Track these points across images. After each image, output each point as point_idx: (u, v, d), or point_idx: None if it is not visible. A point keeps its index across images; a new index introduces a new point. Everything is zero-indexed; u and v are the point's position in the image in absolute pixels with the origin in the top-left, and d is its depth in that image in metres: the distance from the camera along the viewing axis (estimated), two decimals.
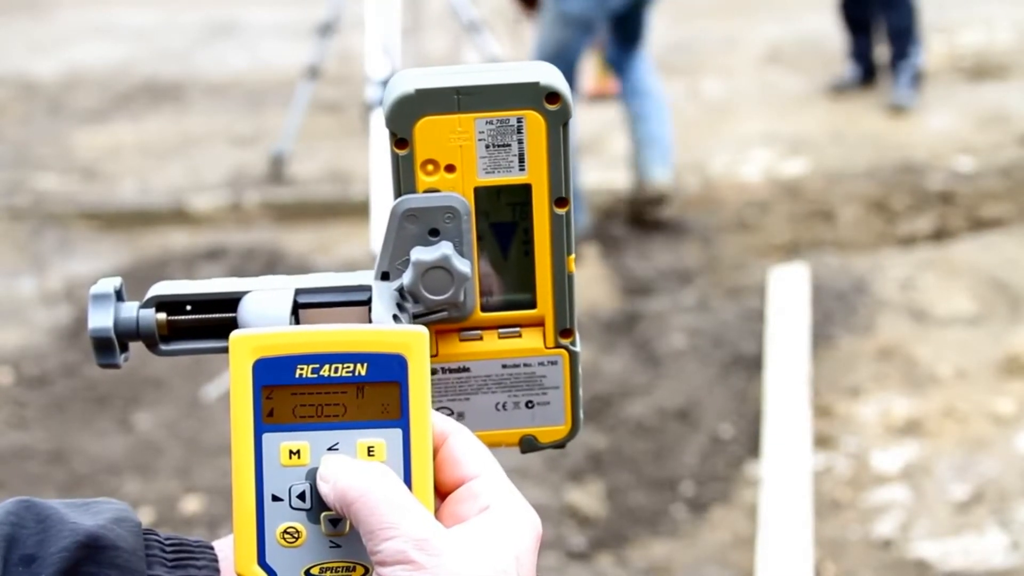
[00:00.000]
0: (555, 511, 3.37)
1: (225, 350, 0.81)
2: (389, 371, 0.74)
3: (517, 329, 0.85)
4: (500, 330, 0.84)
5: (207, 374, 4.19)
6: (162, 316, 0.82)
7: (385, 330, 0.75)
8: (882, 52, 6.94)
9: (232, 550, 0.76)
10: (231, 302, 0.82)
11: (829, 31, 7.48)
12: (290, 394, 0.74)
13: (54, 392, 4.18)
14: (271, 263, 5.05)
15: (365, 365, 0.73)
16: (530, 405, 0.86)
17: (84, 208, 5.79)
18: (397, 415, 0.74)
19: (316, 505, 0.74)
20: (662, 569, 3.25)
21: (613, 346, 4.25)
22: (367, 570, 0.74)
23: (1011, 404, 3.73)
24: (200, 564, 0.79)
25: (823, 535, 3.24)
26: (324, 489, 0.72)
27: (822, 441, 3.63)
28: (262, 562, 0.74)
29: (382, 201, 4.09)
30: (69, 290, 4.96)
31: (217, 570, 0.79)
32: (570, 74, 5.04)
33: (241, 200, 5.80)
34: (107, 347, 0.81)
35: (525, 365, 0.85)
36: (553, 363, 0.85)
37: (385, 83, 4.37)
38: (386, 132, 0.79)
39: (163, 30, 9.31)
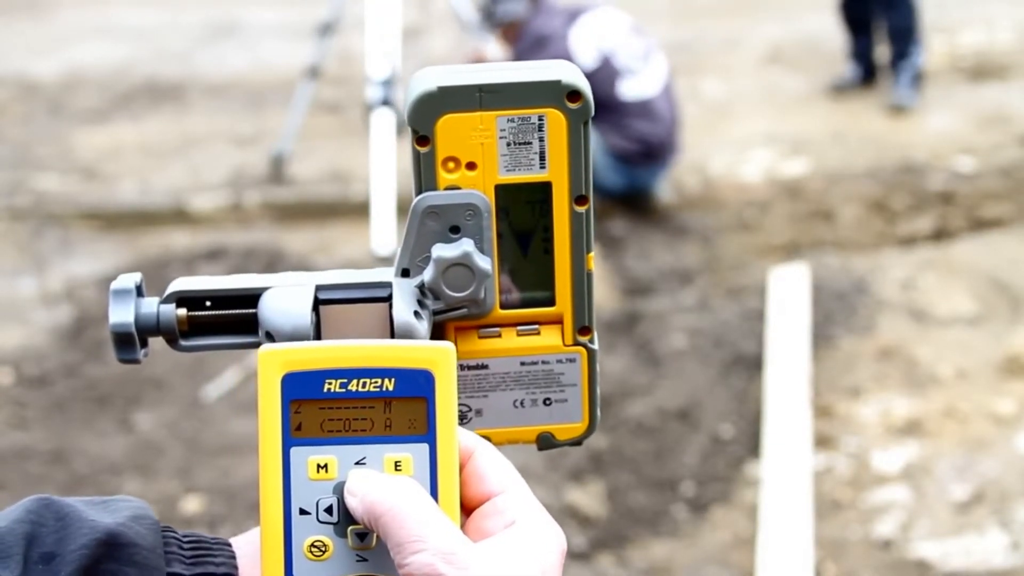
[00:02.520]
0: (555, 511, 3.37)
1: (245, 346, 0.82)
2: (416, 386, 0.74)
3: (536, 326, 0.85)
4: (519, 327, 0.85)
5: (207, 374, 4.19)
6: (182, 312, 0.82)
7: (413, 346, 0.75)
8: (882, 52, 6.94)
9: (256, 555, 0.76)
10: (251, 298, 0.82)
11: (829, 31, 7.49)
12: (318, 408, 0.74)
13: (54, 392, 4.18)
14: (271, 263, 5.05)
15: (393, 380, 0.74)
16: (548, 402, 0.86)
17: (84, 208, 5.79)
18: (424, 430, 0.74)
19: (343, 519, 0.74)
20: (662, 569, 3.26)
21: (613, 346, 4.26)
22: None
23: (1011, 404, 3.73)
24: (218, 561, 0.79)
25: (823, 535, 3.25)
26: (352, 503, 0.73)
27: (822, 441, 3.63)
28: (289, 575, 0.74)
29: (382, 201, 4.09)
30: (69, 290, 4.96)
31: (235, 567, 0.79)
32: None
33: (241, 200, 5.80)
34: (128, 342, 0.81)
35: (543, 362, 0.85)
36: (571, 360, 0.86)
37: (385, 83, 4.39)
38: (408, 129, 0.80)
39: (163, 30, 9.31)
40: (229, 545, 0.80)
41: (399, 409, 0.74)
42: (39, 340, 4.56)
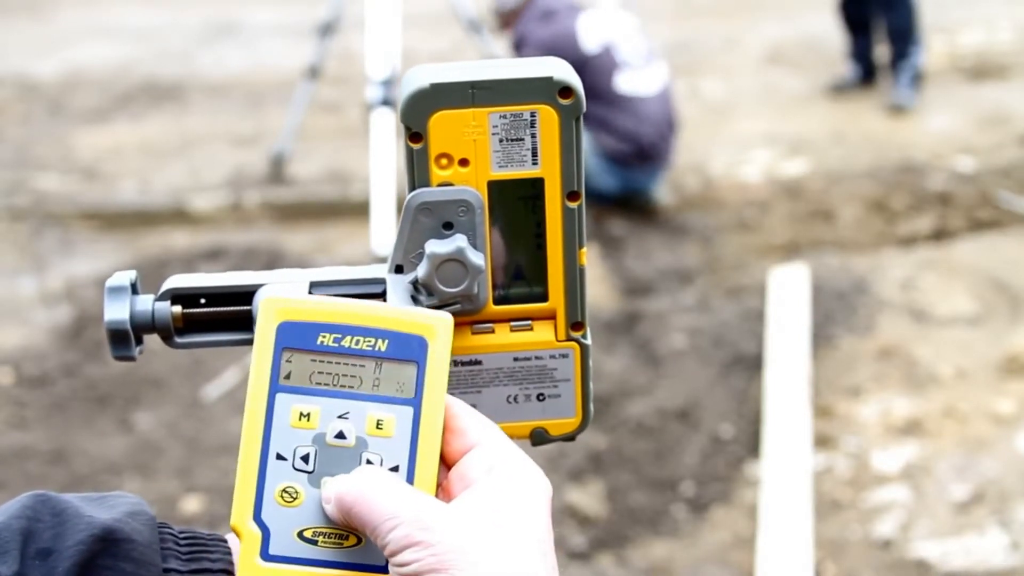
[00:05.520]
0: (555, 511, 3.37)
1: (239, 342, 0.82)
2: (409, 350, 0.75)
3: (529, 322, 0.85)
4: (512, 323, 0.85)
5: (207, 374, 4.20)
6: (177, 309, 0.83)
7: (411, 311, 0.76)
8: (882, 52, 6.95)
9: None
10: (246, 295, 0.82)
11: (829, 31, 7.49)
12: (309, 359, 0.75)
13: (54, 392, 4.18)
14: (271, 263, 5.05)
15: (386, 341, 0.75)
16: (541, 398, 0.87)
17: (84, 208, 5.79)
18: (411, 394, 0.75)
19: (318, 470, 0.75)
20: (662, 569, 3.25)
21: (613, 346, 4.26)
22: (359, 540, 0.74)
23: (1011, 404, 3.73)
24: (214, 557, 0.79)
25: (823, 535, 3.25)
26: (329, 510, 0.74)
27: (822, 441, 3.63)
28: (257, 518, 0.75)
29: (382, 201, 4.09)
30: (69, 290, 4.96)
31: (231, 563, 0.79)
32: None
33: (241, 200, 5.80)
34: (123, 339, 0.81)
35: (536, 358, 0.86)
36: (564, 356, 0.86)
37: (385, 83, 4.39)
38: (401, 126, 0.80)
39: (163, 30, 9.32)
40: (225, 541, 0.81)
41: (389, 370, 0.75)
42: (39, 340, 4.56)
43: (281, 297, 0.76)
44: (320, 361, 0.75)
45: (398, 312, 0.76)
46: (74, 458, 3.78)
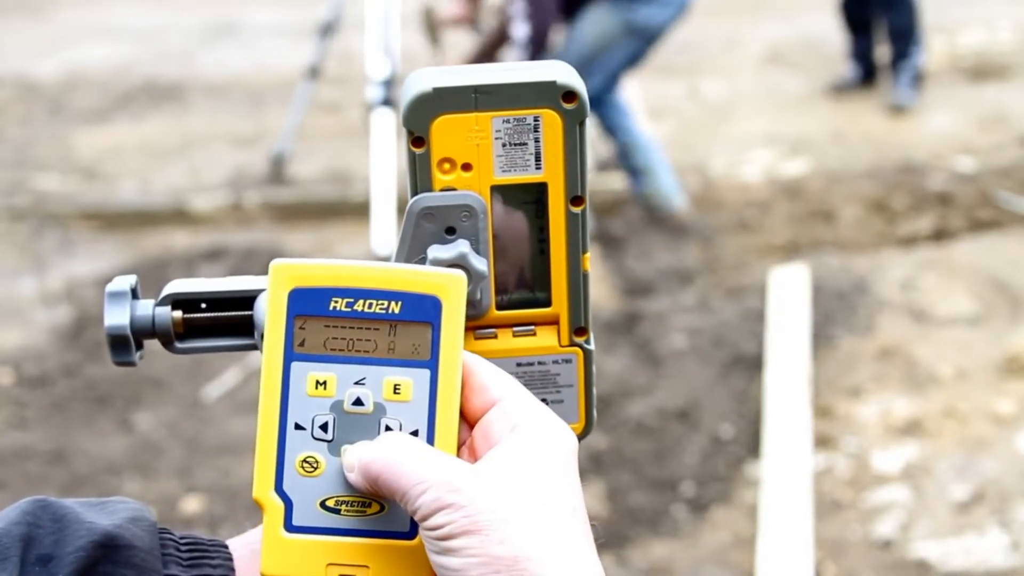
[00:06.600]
0: None
1: (240, 348, 0.82)
2: (423, 312, 0.75)
3: (532, 327, 0.85)
4: (515, 328, 0.85)
5: (207, 374, 4.20)
6: (178, 314, 0.82)
7: (423, 270, 0.76)
8: (882, 52, 6.95)
9: (253, 557, 0.76)
10: (247, 300, 0.82)
11: (829, 31, 7.49)
12: (323, 326, 0.74)
13: (54, 392, 4.18)
14: None
15: (399, 303, 0.74)
16: (544, 403, 0.87)
17: (84, 208, 5.79)
18: (427, 356, 0.75)
19: (337, 438, 0.74)
20: (662, 569, 3.25)
21: (613, 346, 4.26)
22: (382, 507, 0.74)
23: (1011, 404, 3.73)
24: (215, 563, 0.79)
25: (823, 535, 3.25)
26: (352, 478, 0.73)
27: (822, 441, 3.63)
28: (279, 489, 0.74)
29: (382, 201, 4.09)
30: (69, 290, 4.96)
31: (232, 569, 0.79)
32: (612, 84, 5.14)
33: (241, 200, 5.80)
34: (123, 345, 0.81)
35: (539, 363, 0.85)
36: (567, 361, 0.86)
37: (385, 83, 4.38)
38: (403, 129, 0.80)
39: (163, 30, 9.32)
40: (226, 547, 0.80)
41: (403, 333, 0.75)
42: (39, 340, 4.56)
43: (291, 263, 0.75)
44: (334, 327, 0.74)
45: (410, 273, 0.75)
46: (74, 458, 3.78)
